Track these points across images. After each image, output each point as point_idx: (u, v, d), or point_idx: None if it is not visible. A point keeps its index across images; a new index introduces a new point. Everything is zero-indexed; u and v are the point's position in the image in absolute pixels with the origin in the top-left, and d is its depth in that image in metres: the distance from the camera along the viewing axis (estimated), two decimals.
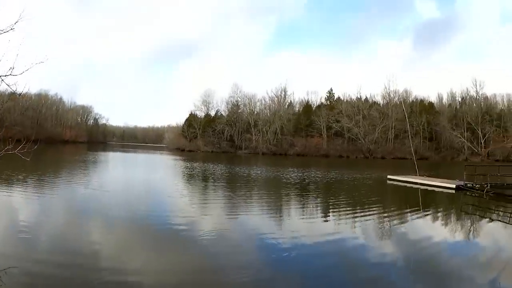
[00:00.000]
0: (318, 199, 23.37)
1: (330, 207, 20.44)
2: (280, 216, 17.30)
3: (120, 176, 34.18)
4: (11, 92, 8.24)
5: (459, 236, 14.76)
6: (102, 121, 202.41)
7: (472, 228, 16.21)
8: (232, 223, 15.10)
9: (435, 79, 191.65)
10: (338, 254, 11.17)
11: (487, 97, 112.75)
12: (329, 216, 17.94)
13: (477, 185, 26.34)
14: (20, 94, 8.23)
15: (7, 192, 19.69)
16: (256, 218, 16.12)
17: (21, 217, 13.89)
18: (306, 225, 15.08)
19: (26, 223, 12.89)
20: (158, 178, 34.42)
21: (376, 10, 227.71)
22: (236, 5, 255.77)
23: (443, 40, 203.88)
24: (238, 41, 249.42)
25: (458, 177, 30.35)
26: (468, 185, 26.89)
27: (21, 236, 11.09)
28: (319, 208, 20.27)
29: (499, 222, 17.44)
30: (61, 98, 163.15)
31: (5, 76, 7.49)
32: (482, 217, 18.89)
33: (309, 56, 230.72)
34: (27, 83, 7.99)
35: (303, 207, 20.28)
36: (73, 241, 10.96)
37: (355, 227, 15.11)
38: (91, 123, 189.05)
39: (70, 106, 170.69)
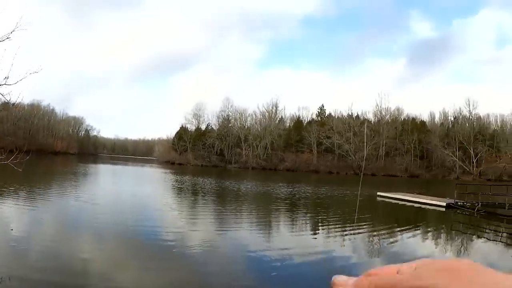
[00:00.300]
0: (308, 215, 23.44)
1: (320, 223, 20.47)
2: (270, 232, 17.26)
3: (110, 189, 33.87)
4: (4, 101, 8.15)
5: (450, 254, 14.77)
6: (93, 133, 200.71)
7: (463, 246, 16.29)
8: (221, 238, 15.05)
9: (428, 98, 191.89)
10: (327, 271, 11.02)
11: (480, 117, 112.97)
12: (318, 232, 17.96)
13: (468, 204, 26.38)
14: (14, 104, 8.14)
15: None
16: (245, 233, 16.07)
17: (11, 229, 13.58)
18: (296, 241, 15.06)
19: (16, 236, 12.65)
20: (148, 191, 34.20)
21: (371, 29, 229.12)
22: (230, 21, 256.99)
23: (438, 60, 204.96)
24: (231, 57, 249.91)
25: (449, 195, 30.40)
26: (459, 203, 26.94)
27: (10, 250, 10.91)
28: (308, 224, 20.35)
29: (491, 241, 17.48)
30: (53, 109, 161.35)
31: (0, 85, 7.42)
32: (473, 235, 18.93)
33: (301, 72, 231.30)
34: (20, 93, 7.93)
35: (293, 223, 20.32)
36: (61, 256, 10.81)
37: (344, 244, 15.15)
38: (82, 134, 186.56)
39: (62, 117, 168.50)
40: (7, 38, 7.67)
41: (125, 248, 12.42)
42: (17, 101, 8.20)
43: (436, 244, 16.68)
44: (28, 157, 9.15)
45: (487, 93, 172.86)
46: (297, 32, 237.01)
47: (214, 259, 11.69)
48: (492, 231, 20.24)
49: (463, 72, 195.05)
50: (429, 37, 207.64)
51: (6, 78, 7.46)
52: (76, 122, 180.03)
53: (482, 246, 16.24)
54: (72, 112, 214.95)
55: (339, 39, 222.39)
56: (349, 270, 11.26)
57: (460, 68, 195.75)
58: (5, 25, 7.83)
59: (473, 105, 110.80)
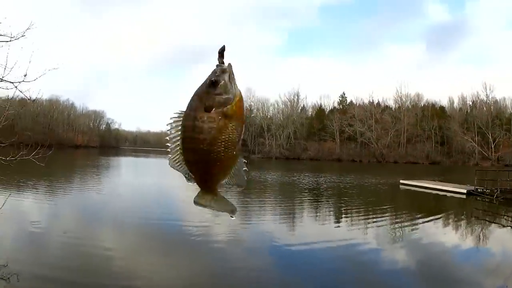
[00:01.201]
0: (335, 205, 23.32)
1: (345, 213, 20.34)
2: (295, 223, 17.09)
3: (133, 181, 34.18)
4: (22, 98, 8.38)
5: (469, 242, 14.75)
6: (115, 126, 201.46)
7: (482, 234, 16.17)
8: (247, 230, 14.93)
9: (446, 83, 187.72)
10: (353, 263, 11.09)
11: (497, 101, 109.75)
12: (343, 222, 17.91)
13: (487, 190, 26.27)
14: (33, 100, 8.36)
15: (19, 198, 19.07)
16: (271, 225, 15.98)
17: (33, 222, 13.72)
18: (322, 232, 15.00)
19: (39, 229, 12.89)
20: (171, 183, 34.38)
21: (387, 15, 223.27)
22: (248, 11, 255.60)
23: (454, 44, 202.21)
24: (250, 46, 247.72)
25: (469, 182, 30.21)
26: (479, 190, 26.85)
27: (33, 242, 11.09)
28: (334, 214, 20.25)
29: (509, 228, 17.40)
30: (72, 104, 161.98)
31: (19, 83, 7.62)
32: (492, 223, 18.85)
33: (321, 60, 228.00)
34: (40, 89, 8.16)
35: (319, 213, 20.25)
36: (85, 248, 10.82)
37: (367, 233, 15.10)
38: (103, 128, 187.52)
39: (82, 111, 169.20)
40: (22, 36, 7.87)
41: (148, 240, 12.41)
42: (36, 97, 8.39)
43: (457, 231, 16.78)
44: (50, 152, 9.24)
45: (503, 76, 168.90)
46: (314, 20, 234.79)
47: (239, 250, 11.74)
48: (510, 219, 20.12)
49: (479, 55, 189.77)
50: (445, 21, 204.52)
51: (25, 75, 7.67)
52: (97, 116, 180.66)
53: (500, 234, 16.17)
54: (93, 106, 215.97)
55: (357, 26, 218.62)
56: (373, 258, 11.44)
57: (476, 51, 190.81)
58: (20, 22, 8.04)
59: (489, 89, 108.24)
